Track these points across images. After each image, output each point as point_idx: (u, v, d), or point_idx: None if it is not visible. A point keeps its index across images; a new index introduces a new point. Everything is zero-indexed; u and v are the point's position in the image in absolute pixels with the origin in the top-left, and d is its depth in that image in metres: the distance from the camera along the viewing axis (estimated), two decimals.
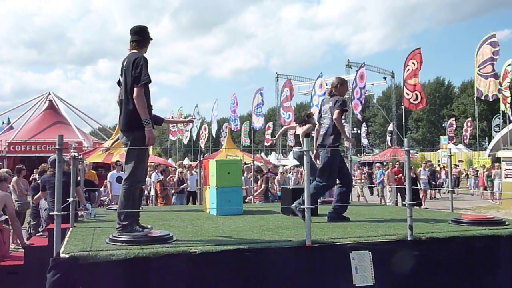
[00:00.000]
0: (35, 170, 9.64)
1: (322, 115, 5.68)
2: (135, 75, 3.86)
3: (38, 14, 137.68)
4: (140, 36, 4.14)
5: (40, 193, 6.71)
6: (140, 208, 4.41)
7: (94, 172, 12.37)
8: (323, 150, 5.45)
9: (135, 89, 3.84)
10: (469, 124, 40.08)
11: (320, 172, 5.44)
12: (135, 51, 4.07)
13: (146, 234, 3.77)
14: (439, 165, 21.52)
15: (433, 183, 17.82)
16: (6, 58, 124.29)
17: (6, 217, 5.45)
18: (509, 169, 15.61)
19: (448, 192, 6.40)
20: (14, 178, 8.40)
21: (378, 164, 18.13)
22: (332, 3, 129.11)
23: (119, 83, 4.13)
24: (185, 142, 43.45)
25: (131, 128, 3.91)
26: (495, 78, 22.25)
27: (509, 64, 24.53)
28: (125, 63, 4.01)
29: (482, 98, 23.74)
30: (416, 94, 24.27)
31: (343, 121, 5.74)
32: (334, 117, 5.35)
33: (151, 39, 4.22)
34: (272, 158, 36.09)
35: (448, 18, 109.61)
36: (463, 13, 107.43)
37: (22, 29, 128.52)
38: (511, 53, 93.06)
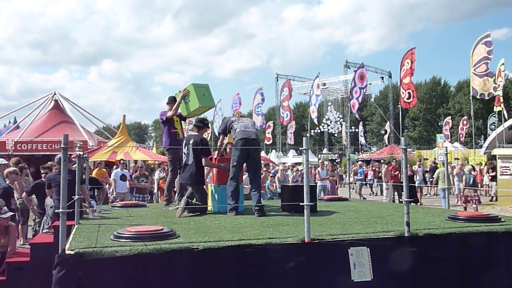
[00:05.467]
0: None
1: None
2: (203, 151, 5.91)
3: (43, 14, 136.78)
4: (201, 124, 6.15)
5: (46, 191, 6.77)
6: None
7: (104, 170, 12.54)
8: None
9: (203, 159, 5.92)
10: (465, 122, 40.24)
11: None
12: (196, 133, 6.06)
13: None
14: (435, 163, 21.63)
15: (431, 179, 17.99)
16: (11, 58, 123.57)
17: (12, 213, 5.50)
18: (505, 167, 15.77)
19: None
20: (18, 176, 8.46)
21: (360, 163, 18.43)
22: (332, 3, 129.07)
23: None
24: None
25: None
26: (490, 77, 22.38)
27: (502, 64, 24.68)
28: (191, 141, 5.95)
29: (478, 97, 23.86)
30: (409, 92, 24.46)
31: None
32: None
33: (208, 126, 6.42)
34: (273, 156, 36.24)
35: (446, 18, 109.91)
36: (460, 12, 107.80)
37: (26, 29, 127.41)
38: (509, 51, 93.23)
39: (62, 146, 3.55)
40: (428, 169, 20.47)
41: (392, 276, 3.84)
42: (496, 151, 18.20)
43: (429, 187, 19.28)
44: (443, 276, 4.02)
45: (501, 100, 24.86)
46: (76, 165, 5.11)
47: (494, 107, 25.74)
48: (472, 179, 14.30)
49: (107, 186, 11.97)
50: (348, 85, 35.42)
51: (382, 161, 21.89)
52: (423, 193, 17.77)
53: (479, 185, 19.25)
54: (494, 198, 18.17)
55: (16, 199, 8.25)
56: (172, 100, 6.76)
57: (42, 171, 7.76)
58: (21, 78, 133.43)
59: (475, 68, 22.60)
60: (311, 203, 3.88)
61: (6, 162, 9.38)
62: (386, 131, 42.45)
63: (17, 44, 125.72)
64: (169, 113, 6.61)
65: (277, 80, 46.38)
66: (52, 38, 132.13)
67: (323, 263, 3.74)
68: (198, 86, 6.49)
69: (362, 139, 50.46)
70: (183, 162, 6.11)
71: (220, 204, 6.00)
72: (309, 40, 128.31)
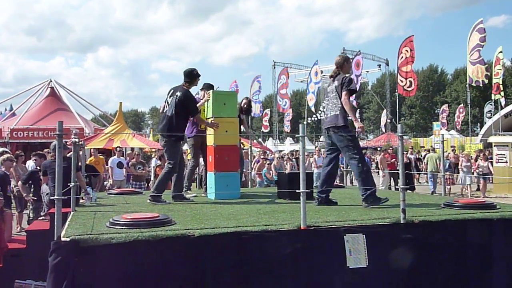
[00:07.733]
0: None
1: (329, 95, 5.49)
2: (193, 109, 5.68)
3: (38, 1, 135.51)
4: (189, 78, 5.69)
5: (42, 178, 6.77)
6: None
7: (102, 157, 12.53)
8: (339, 131, 5.19)
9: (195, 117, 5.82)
10: (461, 110, 40.31)
11: (351, 153, 5.16)
12: (186, 88, 5.67)
13: None
14: (434, 150, 21.65)
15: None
16: (6, 44, 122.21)
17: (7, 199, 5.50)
18: (500, 154, 15.87)
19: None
20: (13, 164, 8.43)
21: (323, 151, 18.55)
22: None
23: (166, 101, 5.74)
24: None
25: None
26: (482, 64, 22.35)
27: (500, 51, 24.61)
28: (177, 93, 5.61)
29: (474, 84, 23.86)
30: (410, 81, 24.42)
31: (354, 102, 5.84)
32: (342, 98, 5.15)
33: (199, 76, 5.77)
34: (270, 143, 36.28)
35: (444, 4, 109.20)
36: None
37: (21, 15, 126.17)
38: (508, 39, 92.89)
39: (57, 133, 3.52)
40: (422, 157, 20.53)
41: (387, 263, 3.85)
42: (492, 139, 18.29)
43: (426, 174, 19.34)
44: (439, 262, 4.04)
45: (501, 88, 24.84)
46: (71, 152, 5.07)
47: (493, 95, 25.70)
48: (448, 163, 15.96)
49: (109, 172, 11.99)
50: None
51: (378, 148, 21.91)
52: (417, 180, 17.91)
53: (474, 173, 19.30)
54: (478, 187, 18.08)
55: (13, 186, 8.24)
56: (207, 87, 6.69)
57: (32, 158, 7.74)
58: (16, 65, 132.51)
59: (470, 55, 22.58)
60: (307, 190, 3.89)
61: (6, 149, 9.36)
62: (391, 119, 42.34)
63: (12, 31, 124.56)
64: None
65: (274, 67, 46.11)
66: (47, 25, 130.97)
67: (319, 250, 3.75)
68: (219, 94, 6.26)
69: None
70: (163, 110, 5.80)
71: (218, 192, 5.99)
72: (307, 27, 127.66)
